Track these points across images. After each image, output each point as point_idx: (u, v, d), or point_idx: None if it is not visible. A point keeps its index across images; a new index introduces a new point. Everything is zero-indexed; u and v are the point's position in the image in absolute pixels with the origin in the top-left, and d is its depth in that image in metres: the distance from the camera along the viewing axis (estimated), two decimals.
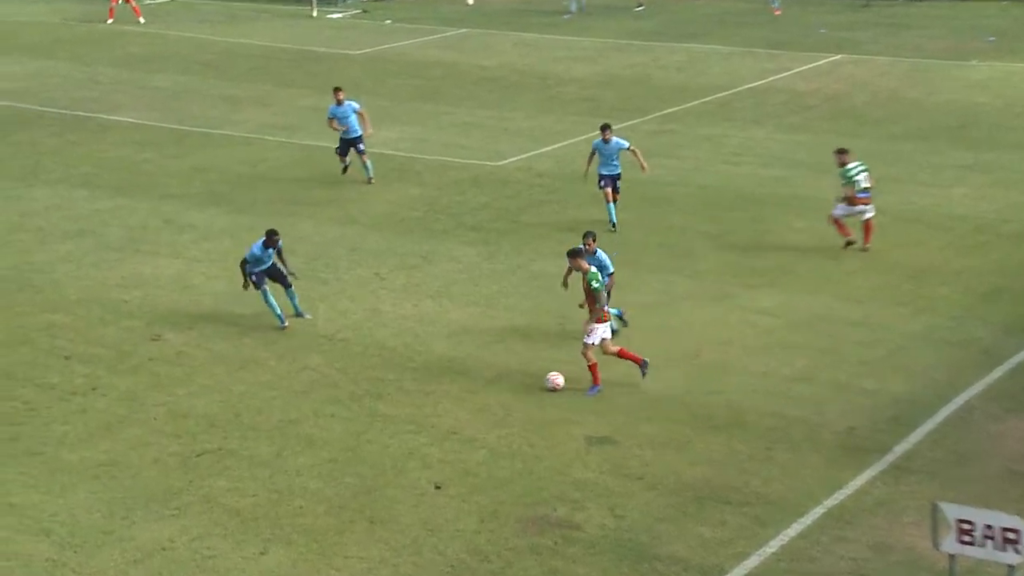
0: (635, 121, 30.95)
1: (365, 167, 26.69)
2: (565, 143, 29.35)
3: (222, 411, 16.66)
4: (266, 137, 30.96)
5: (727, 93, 34.32)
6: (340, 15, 50.28)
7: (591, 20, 45.86)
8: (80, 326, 19.31)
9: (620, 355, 17.28)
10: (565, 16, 46.92)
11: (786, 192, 25.46)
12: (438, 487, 14.69)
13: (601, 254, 18.23)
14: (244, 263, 19.26)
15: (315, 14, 49.60)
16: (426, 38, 44.00)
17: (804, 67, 37.13)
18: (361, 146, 26.61)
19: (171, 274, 21.75)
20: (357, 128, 26.59)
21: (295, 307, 19.53)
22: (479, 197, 25.90)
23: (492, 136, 30.76)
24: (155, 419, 16.37)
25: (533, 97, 34.83)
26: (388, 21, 47.94)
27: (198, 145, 30.70)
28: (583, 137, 28.00)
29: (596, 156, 23.63)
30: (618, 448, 15.53)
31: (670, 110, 32.58)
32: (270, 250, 19.19)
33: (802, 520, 13.74)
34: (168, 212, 25.31)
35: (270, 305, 19.16)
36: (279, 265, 19.44)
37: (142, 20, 48.98)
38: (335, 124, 26.63)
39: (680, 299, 20.30)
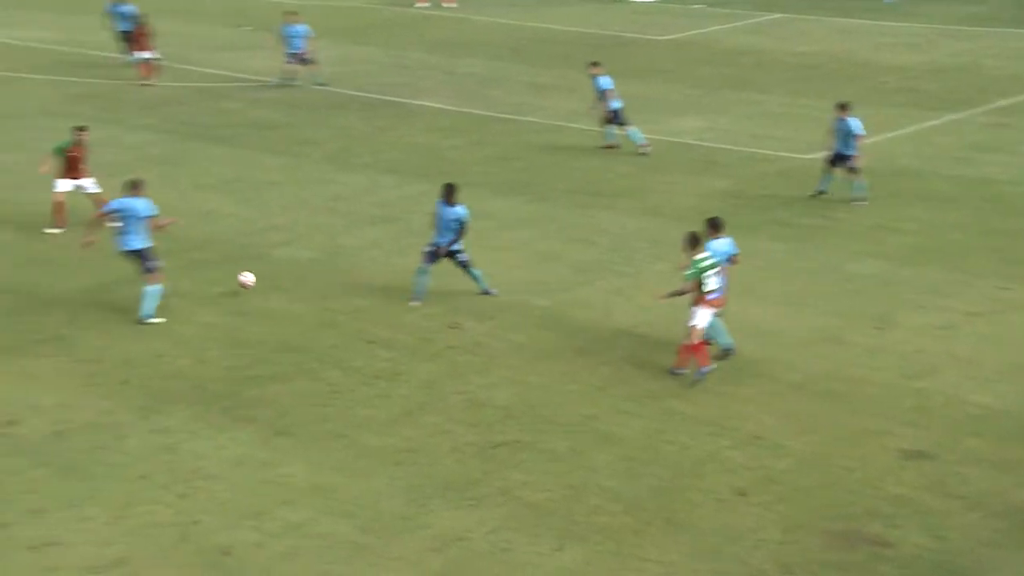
0: (962, 114, 29.32)
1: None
2: (883, 136, 28.03)
3: (519, 403, 16.50)
4: (570, 124, 30.83)
5: None
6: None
7: (917, 5, 43.92)
8: (384, 311, 19.54)
9: (692, 350, 16.71)
10: (888, 0, 45.09)
11: None
12: (741, 493, 14.11)
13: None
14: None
15: None
16: (737, 23, 43.10)
17: None
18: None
19: (471, 262, 21.75)
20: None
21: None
22: (788, 191, 25.02)
23: (804, 127, 29.74)
24: (454, 408, 16.35)
25: (850, 87, 33.53)
26: (699, 5, 47.21)
27: (502, 132, 30.88)
28: (904, 131, 26.71)
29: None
30: (937, 464, 14.57)
31: (1004, 102, 30.68)
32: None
33: None
34: (470, 200, 25.39)
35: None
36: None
37: (453, 4, 49.83)
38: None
39: (1014, 308, 18.96)
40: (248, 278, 19.45)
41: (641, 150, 28.49)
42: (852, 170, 24.33)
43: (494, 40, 42.57)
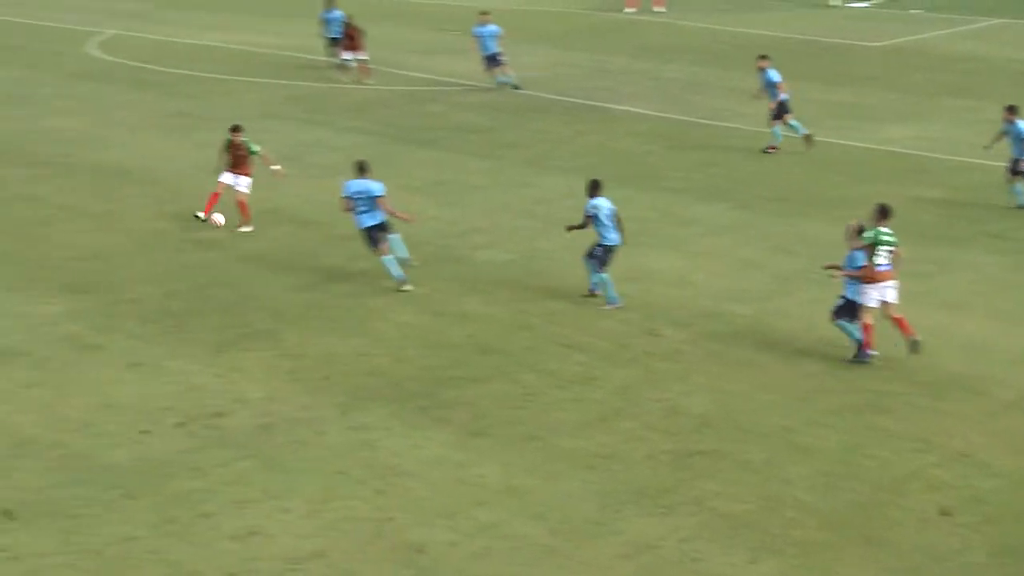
0: None
1: None
2: None
3: (716, 412, 16.28)
4: (769, 131, 30.38)
5: None
6: (865, 4, 48.77)
7: None
8: (579, 315, 19.52)
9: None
10: None
11: None
12: (945, 513, 13.62)
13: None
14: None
15: (834, 3, 48.39)
16: (956, 28, 41.80)
17: None
18: None
19: (671, 269, 21.63)
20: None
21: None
22: (1003, 202, 24.14)
23: None
24: (649, 414, 16.22)
25: None
26: (917, 10, 45.94)
27: (704, 138, 30.60)
28: None
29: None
30: None
31: None
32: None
33: None
34: (670, 205, 25.29)
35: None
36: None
37: (662, 8, 49.66)
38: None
39: None
40: (219, 219, 22.86)
41: (808, 143, 28.88)
42: (1018, 174, 23.67)
43: (697, 45, 42.27)
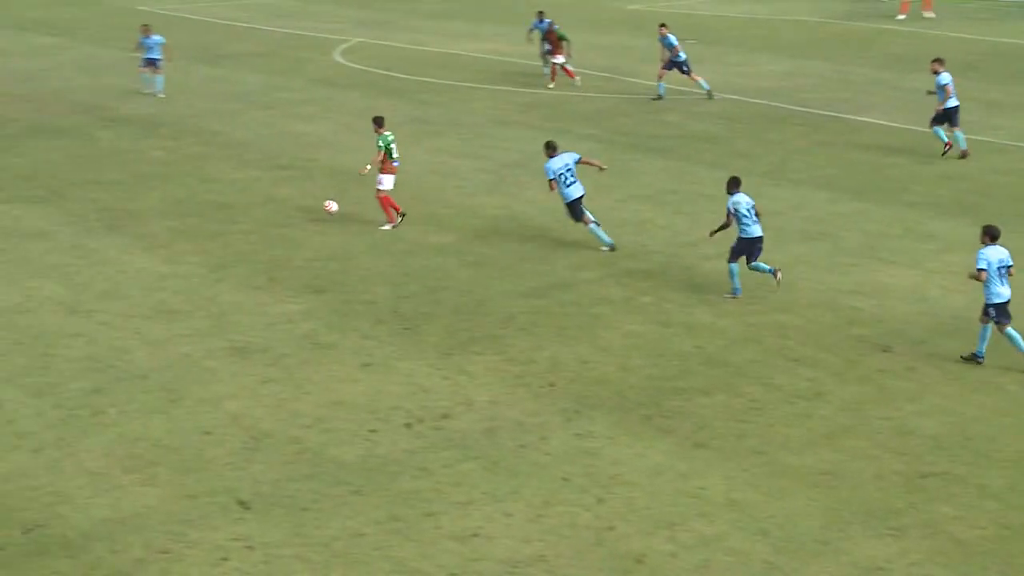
0: None
1: None
2: None
3: (950, 433, 15.71)
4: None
5: None
6: None
7: None
8: (809, 329, 19.13)
9: None
10: None
11: None
12: None
13: None
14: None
15: None
16: None
17: None
18: None
19: (907, 285, 21.00)
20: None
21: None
22: None
23: None
24: (879, 433, 15.76)
25: None
26: None
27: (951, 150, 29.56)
28: None
29: None
30: None
31: None
32: None
33: None
34: (910, 220, 24.56)
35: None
36: None
37: (931, 15, 48.49)
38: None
39: None
40: (332, 206, 23.87)
41: (962, 154, 28.72)
42: None
43: (947, 55, 40.82)
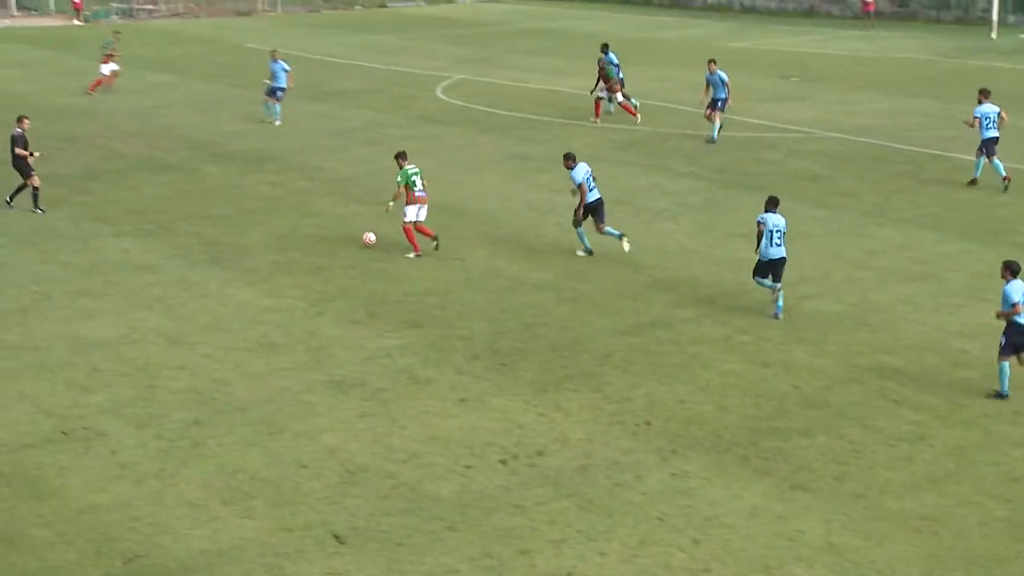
0: None
1: None
2: None
3: None
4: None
5: None
6: None
7: None
8: (912, 371, 18.81)
9: None
10: None
11: None
12: None
13: None
14: None
15: None
16: None
17: None
18: None
19: None
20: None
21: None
22: None
23: None
24: (984, 479, 15.43)
25: None
26: None
27: None
28: None
29: None
30: None
31: None
32: None
33: None
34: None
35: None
36: None
37: None
38: None
39: None
40: (370, 237, 24.89)
41: (1004, 182, 29.52)
42: None
43: None
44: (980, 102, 29.71)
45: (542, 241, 25.77)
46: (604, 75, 37.57)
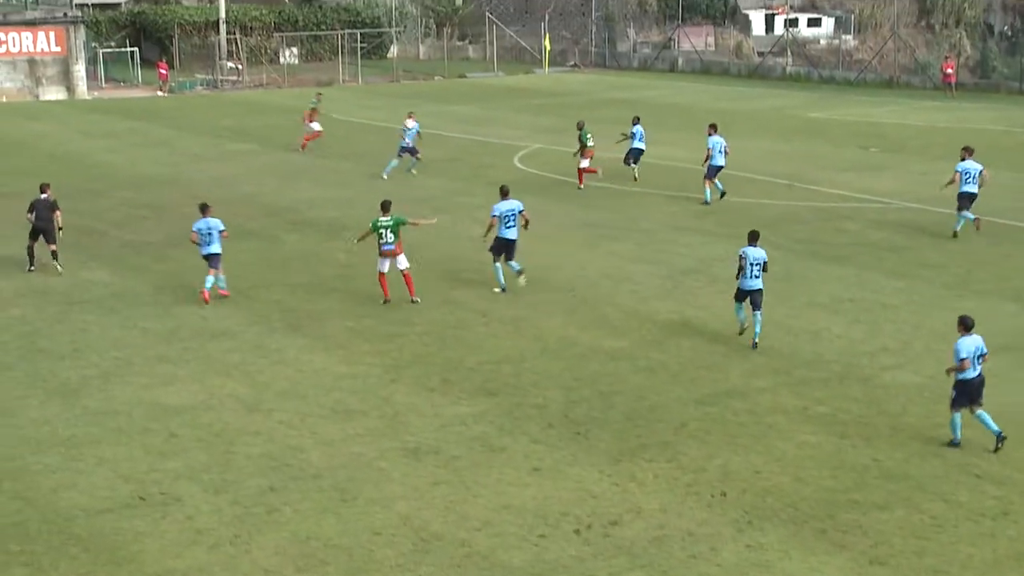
0: None
1: None
2: None
3: None
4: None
5: None
6: None
7: None
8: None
9: None
10: None
11: None
12: None
13: None
14: None
15: None
16: None
17: None
18: None
19: None
20: None
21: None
22: None
23: None
24: None
25: None
26: None
27: None
28: None
29: None
30: None
31: None
32: None
33: None
34: None
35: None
36: None
37: None
38: None
39: None
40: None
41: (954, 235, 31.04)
42: None
43: None
44: (963, 159, 31.80)
45: (616, 309, 25.72)
46: (580, 143, 39.31)
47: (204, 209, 26.54)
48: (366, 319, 25.24)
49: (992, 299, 26.23)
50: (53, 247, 29.07)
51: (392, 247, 25.69)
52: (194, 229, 26.42)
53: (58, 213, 29.20)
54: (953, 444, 18.47)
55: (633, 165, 39.93)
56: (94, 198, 38.81)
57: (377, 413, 20.07)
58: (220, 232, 26.29)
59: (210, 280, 26.35)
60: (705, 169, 36.59)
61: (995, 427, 18.26)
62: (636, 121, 40.37)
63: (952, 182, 31.98)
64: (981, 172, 31.66)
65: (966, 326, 18.77)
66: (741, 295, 23.40)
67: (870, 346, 23.14)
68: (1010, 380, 21.25)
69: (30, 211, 29.10)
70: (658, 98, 66.29)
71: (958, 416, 18.49)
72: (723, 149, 36.19)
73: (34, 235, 29.15)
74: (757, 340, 22.92)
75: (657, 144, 47.28)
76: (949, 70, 66.01)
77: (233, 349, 23.44)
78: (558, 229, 33.32)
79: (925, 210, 35.12)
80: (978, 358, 18.49)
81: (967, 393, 18.40)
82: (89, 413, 20.19)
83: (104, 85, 74.04)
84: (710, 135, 36.43)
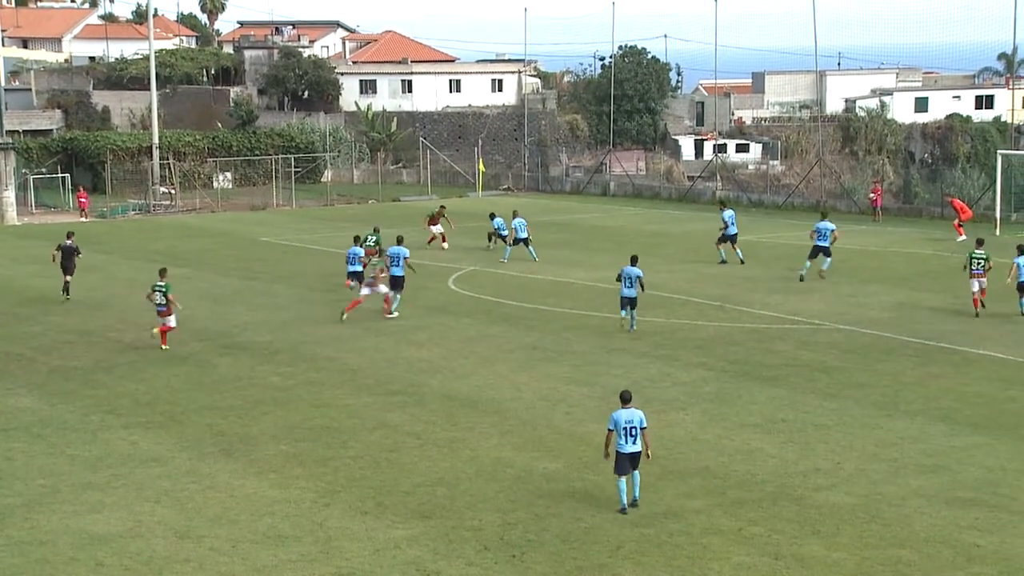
0: None
1: None
2: None
3: None
4: None
5: None
6: None
7: None
8: (926, 566, 18.55)
9: None
10: None
11: None
12: None
13: None
14: None
15: None
16: None
17: None
18: None
19: None
20: None
21: None
22: None
23: None
24: None
25: None
26: None
27: None
28: None
29: None
30: None
31: None
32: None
33: None
34: None
35: None
36: None
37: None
38: None
39: None
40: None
41: None
42: None
43: None
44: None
45: (551, 431, 25.72)
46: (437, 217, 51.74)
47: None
48: (301, 443, 25.04)
49: (921, 419, 26.52)
50: None
51: (164, 308, 33.96)
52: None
53: None
54: (621, 511, 20.69)
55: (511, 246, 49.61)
56: (21, 323, 38.43)
57: (310, 538, 19.83)
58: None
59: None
60: (719, 235, 48.51)
61: (629, 498, 20.85)
62: (493, 216, 52.90)
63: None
64: None
65: (623, 399, 21.12)
66: (623, 301, 34.13)
67: (803, 466, 23.27)
68: (940, 501, 21.38)
69: None
70: (590, 220, 67.09)
71: (622, 482, 20.83)
72: (733, 220, 46.91)
73: None
74: (634, 325, 29.27)
75: (589, 267, 47.73)
76: (875, 195, 67.46)
77: (163, 475, 23.12)
78: (494, 351, 33.40)
79: (854, 331, 35.60)
80: (630, 430, 20.68)
81: (622, 462, 20.81)
82: (12, 543, 19.77)
83: (35, 211, 73.71)
84: (722, 210, 46.95)
